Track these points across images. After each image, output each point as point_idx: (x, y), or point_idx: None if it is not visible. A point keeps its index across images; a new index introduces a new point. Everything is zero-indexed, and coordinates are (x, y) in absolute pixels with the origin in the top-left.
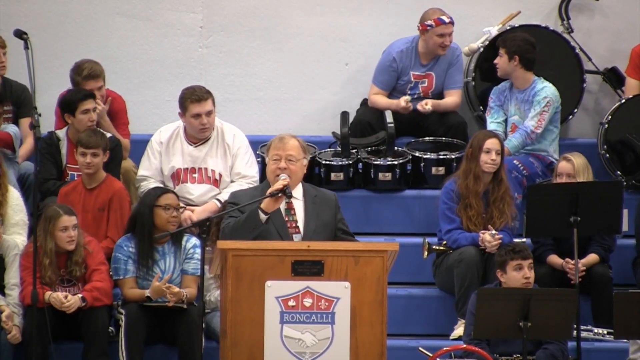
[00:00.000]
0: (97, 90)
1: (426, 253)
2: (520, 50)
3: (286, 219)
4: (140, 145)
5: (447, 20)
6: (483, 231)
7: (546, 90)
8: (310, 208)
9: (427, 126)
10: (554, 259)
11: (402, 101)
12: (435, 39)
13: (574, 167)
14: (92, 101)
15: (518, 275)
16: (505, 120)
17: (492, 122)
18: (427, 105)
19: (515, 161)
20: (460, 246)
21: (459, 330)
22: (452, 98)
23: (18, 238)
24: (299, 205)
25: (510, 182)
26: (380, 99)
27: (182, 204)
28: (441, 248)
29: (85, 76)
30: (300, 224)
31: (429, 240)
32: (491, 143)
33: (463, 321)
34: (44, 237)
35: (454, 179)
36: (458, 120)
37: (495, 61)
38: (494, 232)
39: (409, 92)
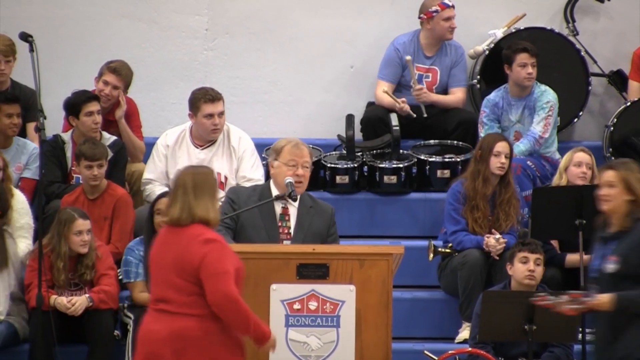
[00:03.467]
0: (112, 88)
1: (431, 255)
2: None
3: (280, 223)
4: (145, 148)
5: (450, 3)
6: (488, 235)
7: (547, 95)
8: (303, 217)
9: (433, 124)
10: (571, 258)
11: (399, 103)
12: (442, 24)
13: (592, 158)
14: (97, 103)
15: (523, 267)
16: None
17: None
18: (427, 95)
19: (528, 162)
20: (465, 248)
21: (463, 333)
22: (456, 95)
23: (23, 242)
24: (293, 211)
25: (523, 178)
26: (385, 97)
27: None
28: (446, 250)
29: (111, 67)
30: (292, 231)
31: (435, 243)
32: (501, 146)
33: (467, 324)
34: (58, 240)
35: (461, 180)
36: (469, 116)
37: (531, 71)
38: (498, 236)
39: (412, 86)
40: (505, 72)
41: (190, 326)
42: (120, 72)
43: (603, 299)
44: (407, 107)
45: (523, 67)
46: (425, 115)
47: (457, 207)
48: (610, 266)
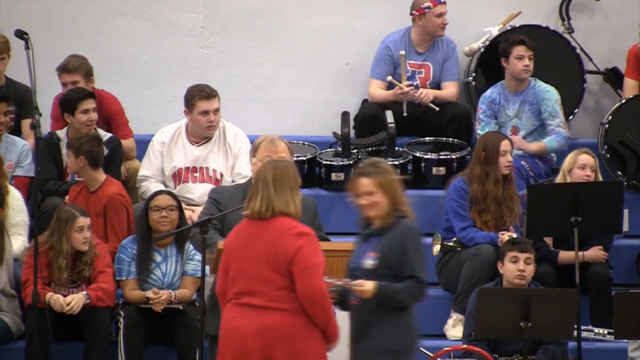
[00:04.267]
0: (71, 85)
1: (438, 247)
2: None
3: None
4: (141, 145)
5: None
6: (502, 232)
7: (552, 92)
8: None
9: (428, 119)
10: (564, 255)
11: (401, 86)
12: (434, 20)
13: (596, 161)
14: (92, 101)
15: (513, 267)
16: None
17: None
18: (426, 94)
19: (522, 162)
20: (477, 244)
21: (454, 330)
22: (450, 89)
23: (19, 239)
24: None
25: (517, 178)
26: (378, 92)
27: (173, 204)
28: (451, 244)
29: (60, 67)
30: None
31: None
32: (506, 145)
33: (457, 316)
34: (58, 239)
35: (462, 178)
36: (462, 110)
37: (528, 64)
38: (514, 235)
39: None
40: (502, 65)
41: (279, 320)
42: (69, 67)
43: (367, 286)
44: (413, 92)
45: (520, 59)
46: (405, 114)
47: (462, 203)
48: (369, 262)
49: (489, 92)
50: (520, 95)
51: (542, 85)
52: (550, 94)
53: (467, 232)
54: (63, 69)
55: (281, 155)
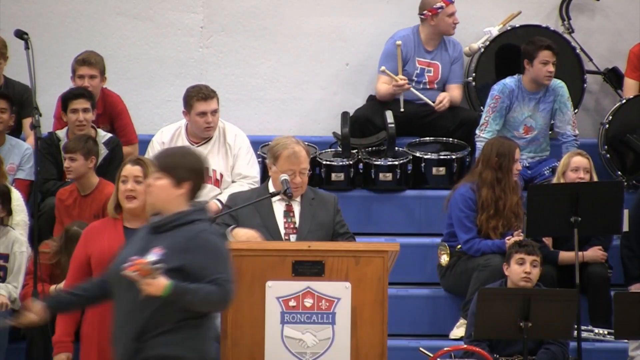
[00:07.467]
0: (89, 78)
1: (446, 257)
2: None
3: (285, 220)
4: (141, 146)
5: None
6: (508, 238)
7: (565, 89)
8: (306, 210)
9: (433, 122)
10: (564, 255)
11: (396, 79)
12: (446, 20)
13: (590, 162)
14: (83, 101)
15: (519, 269)
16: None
17: (490, 131)
18: (446, 99)
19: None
20: (484, 254)
21: (458, 330)
22: (456, 92)
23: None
24: (297, 207)
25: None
26: (381, 87)
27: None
28: (457, 251)
29: (80, 60)
30: (298, 225)
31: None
32: (519, 153)
33: (464, 321)
34: (68, 260)
35: (469, 185)
36: (470, 115)
37: (552, 70)
38: (520, 239)
39: (415, 80)
40: (524, 67)
41: None
42: (90, 60)
43: None
44: (408, 86)
45: (545, 64)
46: (402, 109)
47: (469, 214)
48: None
49: (508, 81)
50: (538, 94)
51: (555, 81)
52: (564, 90)
53: (472, 243)
54: (84, 62)
55: (303, 166)
